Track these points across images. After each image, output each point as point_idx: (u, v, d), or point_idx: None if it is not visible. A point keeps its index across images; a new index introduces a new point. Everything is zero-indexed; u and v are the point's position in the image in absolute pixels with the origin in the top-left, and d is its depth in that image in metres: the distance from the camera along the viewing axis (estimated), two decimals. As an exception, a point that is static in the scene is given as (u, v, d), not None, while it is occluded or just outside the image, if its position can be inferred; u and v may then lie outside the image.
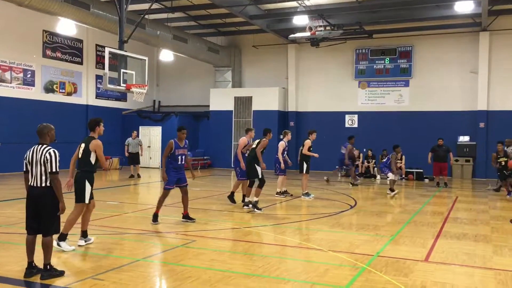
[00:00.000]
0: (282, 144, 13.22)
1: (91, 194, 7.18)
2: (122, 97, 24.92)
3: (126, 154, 19.02)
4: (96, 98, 23.58)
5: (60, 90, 21.72)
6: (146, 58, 14.91)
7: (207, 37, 24.49)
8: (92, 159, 7.13)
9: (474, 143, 21.22)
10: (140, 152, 19.11)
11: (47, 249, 5.67)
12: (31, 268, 5.70)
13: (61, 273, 5.70)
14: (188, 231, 8.51)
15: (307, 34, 19.27)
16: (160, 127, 24.83)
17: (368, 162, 21.32)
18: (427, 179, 19.78)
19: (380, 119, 22.87)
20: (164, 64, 26.59)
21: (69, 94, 22.18)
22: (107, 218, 9.62)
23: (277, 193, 13.47)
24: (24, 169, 5.79)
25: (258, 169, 10.85)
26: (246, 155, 11.60)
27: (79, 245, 7.12)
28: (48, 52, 21.01)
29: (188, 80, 26.97)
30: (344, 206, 12.01)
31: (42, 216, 5.65)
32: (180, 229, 8.67)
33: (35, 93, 20.45)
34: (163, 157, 9.14)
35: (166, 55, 23.01)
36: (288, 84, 24.77)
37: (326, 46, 21.94)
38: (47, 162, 5.63)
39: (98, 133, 7.38)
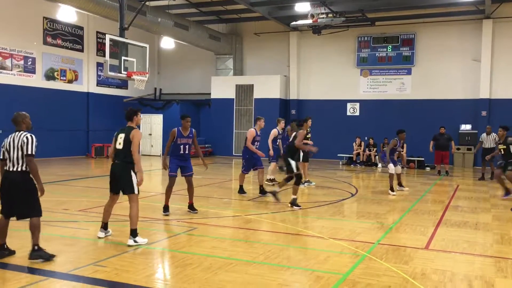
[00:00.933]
0: (274, 132, 13.15)
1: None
2: (123, 84, 24.87)
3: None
4: (97, 85, 23.54)
5: (61, 78, 21.67)
6: (147, 46, 14.84)
7: (208, 25, 24.36)
8: None
9: (476, 131, 21.16)
10: None
11: (34, 231, 5.80)
12: (2, 250, 5.89)
13: (50, 256, 5.80)
14: (189, 218, 8.54)
15: (309, 21, 19.15)
16: (162, 115, 24.82)
17: (370, 151, 21.32)
18: (428, 168, 19.79)
19: (382, 107, 22.81)
20: (165, 52, 26.49)
21: (70, 81, 22.14)
22: (108, 205, 9.63)
23: (266, 180, 13.18)
24: (1, 157, 5.86)
25: (293, 163, 9.92)
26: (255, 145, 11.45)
27: (99, 237, 6.99)
28: (49, 39, 20.93)
29: (189, 68, 26.88)
30: (345, 194, 12.04)
31: (20, 199, 5.77)
32: (182, 217, 8.70)
33: (36, 80, 20.42)
34: (166, 145, 9.05)
35: (167, 43, 22.91)
36: (290, 72, 24.68)
37: (328, 34, 21.82)
38: (23, 145, 5.73)
39: (136, 122, 7.13)
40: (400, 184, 12.97)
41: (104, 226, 7.12)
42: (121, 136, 6.87)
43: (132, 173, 6.78)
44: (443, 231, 7.88)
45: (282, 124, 13.22)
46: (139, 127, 7.07)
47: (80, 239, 7.00)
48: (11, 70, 19.36)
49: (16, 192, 5.76)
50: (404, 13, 21.76)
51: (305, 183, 13.25)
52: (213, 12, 23.77)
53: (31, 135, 5.83)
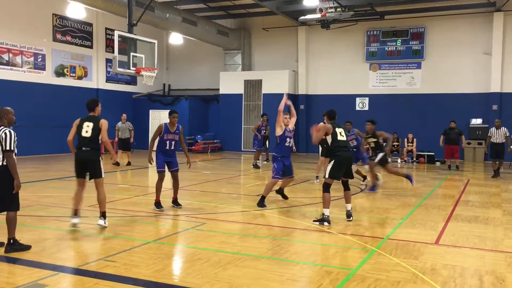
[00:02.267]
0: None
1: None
2: (132, 80, 24.96)
3: (116, 139, 17.23)
4: (106, 82, 23.64)
5: (71, 74, 21.79)
6: (156, 41, 14.87)
7: (217, 20, 24.33)
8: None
9: (487, 125, 20.96)
10: (130, 138, 17.34)
11: (10, 225, 5.91)
12: None
13: (26, 247, 5.93)
14: (198, 214, 8.56)
15: (318, 16, 19.04)
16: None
17: (394, 147, 21.16)
18: (438, 162, 19.65)
19: (392, 102, 22.66)
20: (173, 48, 26.51)
21: (79, 78, 22.25)
22: (118, 201, 9.70)
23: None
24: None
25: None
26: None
27: (74, 223, 7.23)
28: (58, 36, 21.03)
29: (197, 64, 26.88)
30: (355, 189, 11.99)
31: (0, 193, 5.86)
32: (190, 212, 8.72)
33: (46, 77, 20.54)
34: (151, 140, 9.00)
35: (176, 38, 22.93)
36: (298, 67, 24.59)
37: (336, 28, 21.69)
38: (2, 141, 5.78)
39: (98, 112, 7.44)
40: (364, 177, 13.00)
41: (76, 213, 7.34)
42: (88, 125, 7.15)
43: (100, 159, 7.24)
44: (454, 226, 7.83)
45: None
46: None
47: (90, 234, 7.04)
48: (22, 67, 19.49)
49: None
50: (414, 7, 21.57)
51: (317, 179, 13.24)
52: (221, 7, 23.74)
53: (9, 131, 5.87)
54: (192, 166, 10.00)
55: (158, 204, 8.91)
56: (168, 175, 9.03)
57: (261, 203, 9.21)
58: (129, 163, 16.86)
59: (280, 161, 9.35)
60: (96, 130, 7.14)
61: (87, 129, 7.16)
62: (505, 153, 15.14)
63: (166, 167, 8.93)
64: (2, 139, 5.80)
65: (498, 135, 15.10)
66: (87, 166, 7.25)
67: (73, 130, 7.30)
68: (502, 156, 14.96)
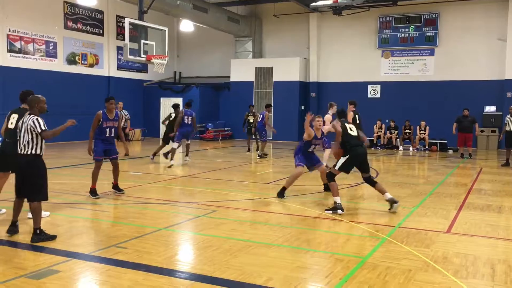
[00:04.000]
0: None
1: None
2: (143, 68, 24.99)
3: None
4: (117, 69, 23.69)
5: (82, 62, 21.86)
6: (166, 29, 14.83)
7: (227, 7, 24.18)
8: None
9: (501, 113, 20.70)
10: (127, 128, 16.55)
11: (35, 215, 5.92)
12: (13, 226, 6.14)
13: (52, 237, 5.92)
14: (209, 201, 8.59)
15: (329, 2, 18.85)
16: (181, 98, 24.89)
17: (391, 133, 21.06)
18: (451, 150, 19.48)
19: (404, 89, 22.45)
20: (184, 35, 26.45)
21: (91, 65, 22.33)
22: (129, 188, 9.76)
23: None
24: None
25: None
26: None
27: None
28: (70, 24, 21.08)
29: (208, 51, 26.80)
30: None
31: (27, 183, 5.89)
32: (201, 200, 8.75)
33: (58, 65, 20.64)
34: (91, 130, 8.81)
35: (186, 26, 22.85)
36: (310, 54, 24.41)
37: (348, 15, 21.46)
38: (33, 130, 5.81)
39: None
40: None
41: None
42: (14, 117, 7.00)
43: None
44: (466, 215, 7.77)
45: (334, 108, 12.30)
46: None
47: (102, 221, 7.10)
48: (34, 55, 19.59)
49: (27, 175, 5.89)
50: (427, -8, 21.25)
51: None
52: (232, -6, 23.58)
53: (37, 118, 5.91)
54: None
55: (93, 191, 8.65)
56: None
57: (281, 194, 8.86)
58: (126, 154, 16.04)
59: (303, 155, 8.91)
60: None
61: (12, 121, 6.99)
62: None
63: (104, 155, 8.82)
64: (32, 127, 5.81)
65: None
66: (8, 158, 6.85)
67: (5, 123, 7.12)
68: None
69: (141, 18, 14.30)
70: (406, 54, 22.68)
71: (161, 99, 25.02)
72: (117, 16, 23.27)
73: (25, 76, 19.01)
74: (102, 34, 22.74)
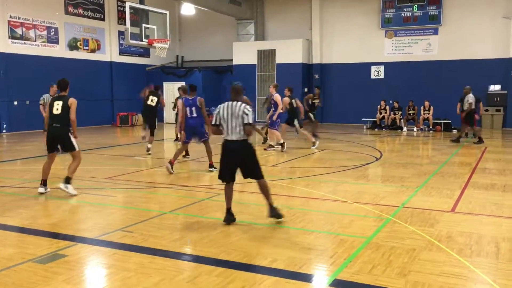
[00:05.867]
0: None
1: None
2: (145, 53, 24.89)
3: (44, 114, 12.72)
4: (119, 54, 23.60)
5: (84, 47, 21.78)
6: (167, 12, 14.76)
7: (229, -11, 23.98)
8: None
9: (505, 92, 20.57)
10: None
11: (264, 191, 6.12)
12: (229, 215, 6.06)
13: (280, 216, 6.05)
14: (213, 184, 8.61)
15: (332, -18, 18.62)
16: (184, 82, 24.79)
17: (395, 114, 20.98)
18: (455, 130, 19.39)
19: (408, 69, 22.30)
20: (185, 18, 26.27)
21: (92, 51, 22.25)
22: (134, 172, 9.79)
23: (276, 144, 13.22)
24: (216, 122, 6.06)
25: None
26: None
27: (40, 193, 7.61)
28: (70, 9, 20.95)
29: (210, 34, 26.63)
30: (370, 158, 11.94)
31: (247, 164, 6.11)
32: (205, 183, 8.78)
33: (60, 50, 20.58)
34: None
35: (188, 9, 22.69)
36: (312, 36, 24.23)
37: (351, -5, 21.22)
38: (244, 116, 5.87)
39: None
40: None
41: (44, 183, 7.69)
42: (58, 103, 7.59)
43: (70, 135, 7.64)
44: (470, 194, 7.77)
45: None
46: None
47: (107, 205, 7.15)
48: (35, 41, 19.53)
49: (244, 158, 6.07)
50: (431, -30, 20.94)
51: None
52: (233, -24, 23.33)
53: (248, 108, 5.96)
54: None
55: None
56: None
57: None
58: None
59: None
60: (65, 108, 7.54)
61: (57, 107, 7.57)
62: None
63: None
64: (246, 114, 5.88)
65: None
66: (58, 141, 7.70)
67: (48, 109, 7.77)
68: None
69: (141, 2, 14.23)
70: (409, 33, 22.48)
71: (164, 83, 24.95)
72: (117, 0, 23.09)
73: (27, 62, 18.99)
74: (103, 19, 22.61)
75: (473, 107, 15.07)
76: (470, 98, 15.07)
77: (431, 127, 19.87)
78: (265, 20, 25.60)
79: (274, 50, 24.11)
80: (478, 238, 5.44)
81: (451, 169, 10.28)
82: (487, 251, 5.04)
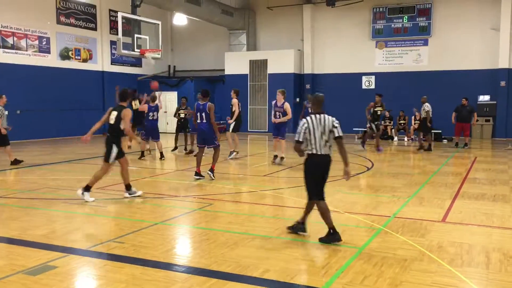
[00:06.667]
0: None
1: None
2: (137, 62, 24.90)
3: None
4: (111, 64, 23.58)
5: (76, 57, 21.74)
6: (160, 23, 14.81)
7: (221, 0, 24.10)
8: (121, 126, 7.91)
9: (494, 102, 20.80)
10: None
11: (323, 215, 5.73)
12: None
13: (338, 240, 5.60)
14: (205, 194, 8.60)
15: (323, -7, 18.81)
16: (176, 92, 24.83)
17: (385, 124, 21.08)
18: (445, 140, 19.56)
19: (398, 79, 22.48)
20: (178, 28, 26.35)
21: (84, 60, 22.21)
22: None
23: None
24: (301, 139, 5.68)
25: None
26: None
27: (125, 197, 8.10)
28: (62, 19, 20.93)
29: (202, 44, 26.71)
30: (361, 168, 11.98)
31: (324, 180, 5.79)
32: (198, 193, 8.76)
33: (51, 60, 20.52)
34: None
35: (180, 19, 22.75)
36: (304, 46, 24.38)
37: (342, 6, 21.45)
38: (334, 129, 5.67)
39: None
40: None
41: (128, 188, 8.18)
42: (114, 114, 7.93)
43: (113, 145, 7.87)
44: (461, 204, 7.82)
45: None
46: None
47: (99, 216, 7.10)
48: (27, 50, 19.46)
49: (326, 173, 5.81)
50: (421, -18, 21.22)
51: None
52: (225, -13, 23.47)
53: (336, 121, 5.76)
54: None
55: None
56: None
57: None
58: (15, 162, 12.59)
59: None
60: (118, 118, 7.85)
61: (112, 117, 7.94)
62: None
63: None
64: (335, 127, 5.69)
65: None
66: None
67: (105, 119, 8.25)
68: None
69: (134, 12, 14.26)
70: (400, 44, 22.70)
71: (156, 93, 24.89)
72: (110, 10, 23.12)
73: (18, 72, 18.91)
74: (95, 29, 22.61)
75: (430, 115, 15.74)
76: (426, 106, 15.75)
77: (421, 137, 19.96)
78: (257, 31, 25.74)
79: (266, 60, 24.23)
80: (469, 248, 5.47)
81: (441, 179, 10.35)
82: (477, 261, 5.07)
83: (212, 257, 5.14)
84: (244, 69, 24.62)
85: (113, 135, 7.94)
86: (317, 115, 5.70)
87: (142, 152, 13.50)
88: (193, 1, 21.30)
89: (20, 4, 19.10)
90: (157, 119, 13.56)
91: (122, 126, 7.83)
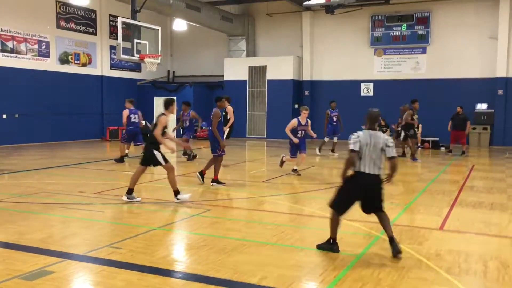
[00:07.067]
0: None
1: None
2: (136, 67, 24.93)
3: None
4: (110, 69, 23.60)
5: (75, 61, 21.76)
6: (159, 28, 14.82)
7: (220, 6, 24.15)
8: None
9: (492, 110, 20.86)
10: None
11: (386, 223, 5.62)
12: (333, 244, 5.60)
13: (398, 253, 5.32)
14: (203, 200, 8.59)
15: (322, 1, 18.83)
16: (175, 97, 24.77)
17: (383, 132, 21.12)
18: (443, 148, 19.59)
19: (396, 87, 22.52)
20: (177, 34, 26.40)
21: (84, 65, 22.23)
22: (123, 188, 9.72)
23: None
24: (357, 149, 5.42)
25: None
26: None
27: (177, 200, 8.22)
28: (62, 23, 20.97)
29: (202, 50, 26.76)
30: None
31: (376, 199, 5.67)
32: (195, 199, 8.75)
33: (51, 64, 20.53)
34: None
35: (180, 25, 22.81)
36: (303, 53, 24.45)
37: (341, 13, 21.50)
38: (387, 148, 5.46)
39: (171, 112, 8.38)
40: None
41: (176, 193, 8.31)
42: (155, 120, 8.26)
43: (155, 151, 8.11)
44: (458, 212, 7.83)
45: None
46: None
47: (96, 221, 7.09)
48: (26, 54, 19.48)
49: (374, 193, 5.67)
50: (419, -9, 21.33)
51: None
52: (225, -7, 23.55)
53: (390, 140, 5.59)
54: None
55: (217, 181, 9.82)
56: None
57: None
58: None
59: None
60: (153, 125, 8.13)
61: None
62: None
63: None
64: (387, 146, 5.52)
65: None
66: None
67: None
68: None
69: (134, 17, 14.28)
70: (398, 52, 22.77)
71: (155, 98, 24.96)
72: (110, 15, 23.18)
73: (18, 76, 18.91)
74: (95, 34, 22.65)
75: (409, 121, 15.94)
76: (406, 114, 16.03)
77: (419, 145, 20.02)
78: (256, 37, 25.80)
79: (265, 66, 24.28)
80: (466, 256, 5.47)
81: (439, 186, 10.36)
82: (475, 269, 5.07)
83: (210, 263, 5.13)
84: (243, 75, 24.66)
85: (152, 141, 8.25)
86: (373, 132, 5.49)
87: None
88: (193, 7, 21.37)
89: (20, 8, 19.14)
90: (138, 122, 14.01)
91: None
